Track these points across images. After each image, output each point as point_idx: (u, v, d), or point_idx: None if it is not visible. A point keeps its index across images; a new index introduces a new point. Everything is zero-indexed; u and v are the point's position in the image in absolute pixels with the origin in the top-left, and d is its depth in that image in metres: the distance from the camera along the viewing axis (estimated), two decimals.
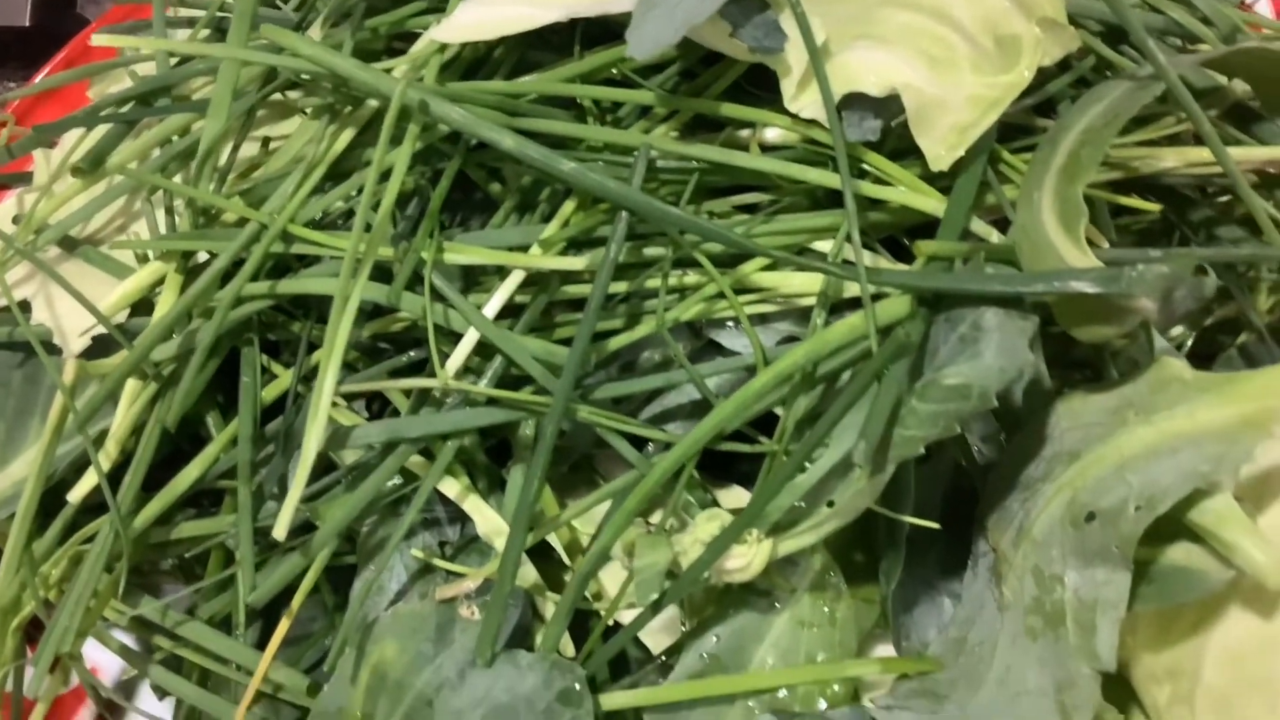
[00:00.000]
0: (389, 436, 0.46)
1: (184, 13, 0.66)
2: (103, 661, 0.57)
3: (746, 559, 0.44)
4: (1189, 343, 0.56)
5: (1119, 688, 0.49)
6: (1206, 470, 0.41)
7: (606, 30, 0.50)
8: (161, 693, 0.56)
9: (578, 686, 0.45)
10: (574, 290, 0.48)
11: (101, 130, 0.58)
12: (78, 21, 0.79)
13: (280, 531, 0.44)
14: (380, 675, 0.47)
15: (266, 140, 0.57)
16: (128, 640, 0.55)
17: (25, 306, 0.58)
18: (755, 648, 0.48)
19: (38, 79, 0.69)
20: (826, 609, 0.49)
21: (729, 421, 0.44)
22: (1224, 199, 0.53)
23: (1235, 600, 0.45)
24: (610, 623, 0.47)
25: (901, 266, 0.46)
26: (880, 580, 0.48)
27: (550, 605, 0.48)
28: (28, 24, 0.82)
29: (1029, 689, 0.43)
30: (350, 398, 0.52)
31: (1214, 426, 0.41)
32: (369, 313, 0.50)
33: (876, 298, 0.43)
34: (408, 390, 0.49)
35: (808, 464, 0.45)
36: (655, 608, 0.45)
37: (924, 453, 0.50)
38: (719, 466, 0.50)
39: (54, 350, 0.56)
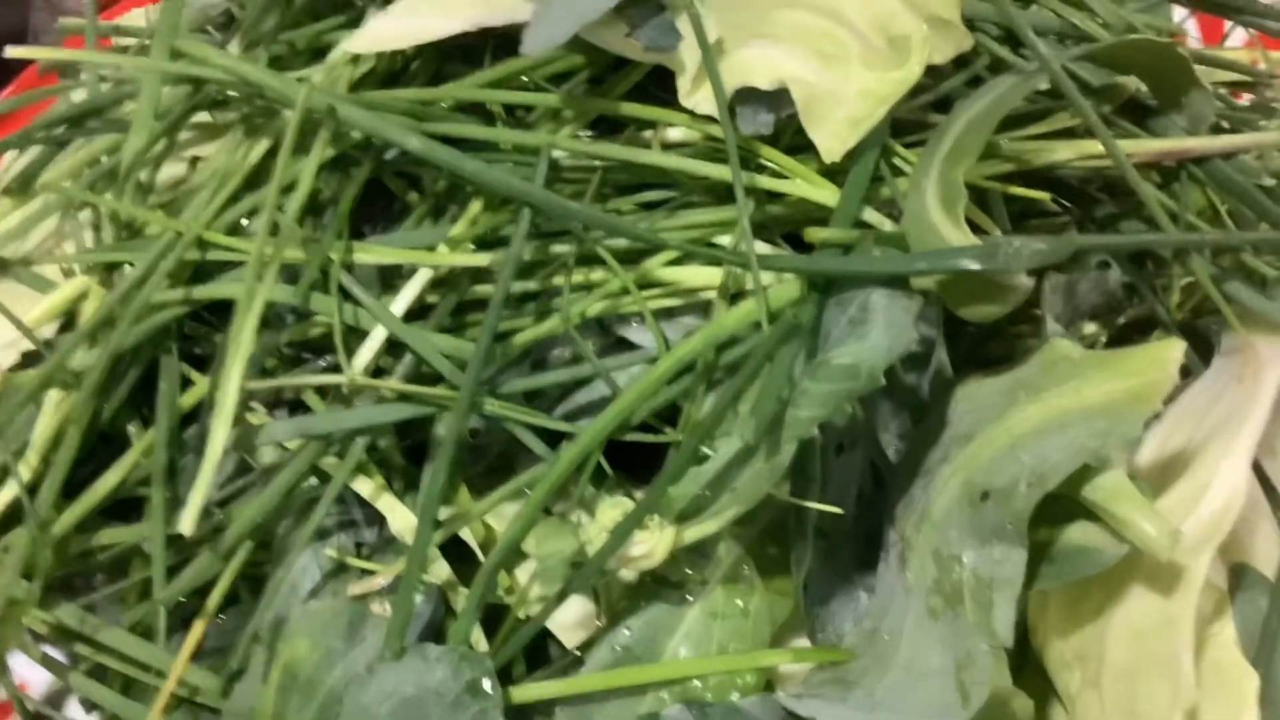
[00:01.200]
0: (297, 433, 0.47)
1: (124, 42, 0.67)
2: (31, 677, 0.57)
3: (649, 546, 0.45)
4: (1103, 340, 0.56)
5: (1037, 679, 0.50)
6: (1095, 445, 0.41)
7: (518, 42, 0.51)
8: (89, 704, 0.56)
9: (485, 679, 0.45)
10: (484, 290, 0.48)
11: (34, 152, 0.59)
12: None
13: (186, 528, 0.44)
14: (291, 673, 0.46)
15: (195, 160, 0.58)
16: (56, 653, 0.55)
17: None
18: (667, 640, 0.48)
19: None
20: (739, 601, 0.49)
21: (632, 410, 0.45)
22: (1131, 197, 0.54)
23: (1136, 580, 0.45)
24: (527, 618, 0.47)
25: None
26: (792, 571, 0.48)
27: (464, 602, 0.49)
28: None
29: (932, 670, 0.43)
30: (271, 406, 0.52)
31: (1101, 402, 0.42)
32: (286, 320, 0.51)
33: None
34: (322, 393, 0.49)
35: (711, 453, 0.46)
36: (561, 597, 0.45)
37: (837, 449, 0.51)
38: (640, 467, 0.50)
39: None
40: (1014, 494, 0.42)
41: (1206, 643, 0.47)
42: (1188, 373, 0.52)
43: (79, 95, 0.61)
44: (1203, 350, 0.54)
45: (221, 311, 0.53)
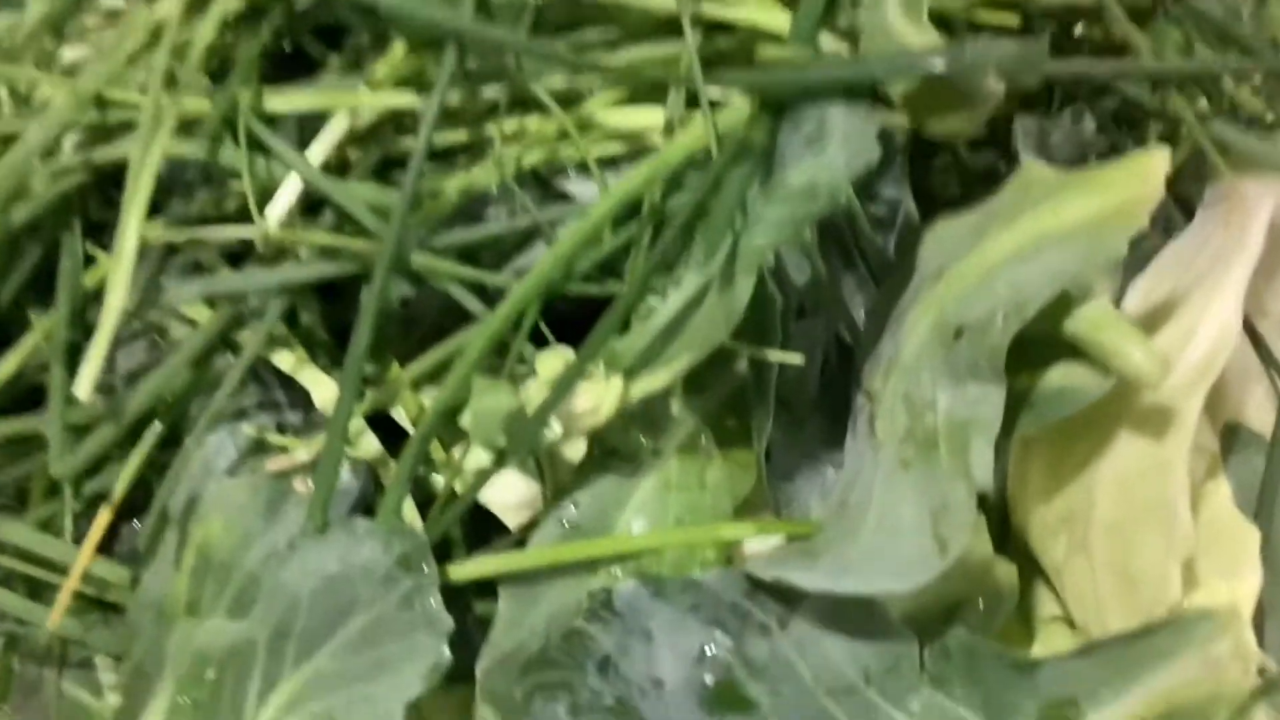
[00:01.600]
0: (205, 293, 0.43)
1: None
2: None
3: (595, 399, 0.41)
4: None
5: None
6: (1075, 269, 0.38)
7: None
8: None
9: (418, 553, 0.41)
10: (409, 145, 0.45)
11: None
12: None
13: (83, 391, 0.40)
14: (205, 556, 0.42)
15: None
16: None
17: None
18: (619, 514, 0.44)
19: None
20: (696, 473, 0.45)
21: (571, 256, 0.41)
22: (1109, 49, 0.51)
23: (1124, 426, 0.42)
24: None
25: None
26: (753, 440, 0.45)
27: None
28: None
29: (905, 525, 0.40)
30: None
31: (1080, 222, 0.38)
32: (196, 193, 0.47)
33: None
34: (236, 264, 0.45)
35: (659, 304, 0.42)
36: (500, 462, 0.42)
37: (798, 311, 0.48)
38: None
39: None
40: (990, 327, 0.38)
41: (1201, 501, 0.44)
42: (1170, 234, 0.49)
43: None
44: (1186, 215, 0.51)
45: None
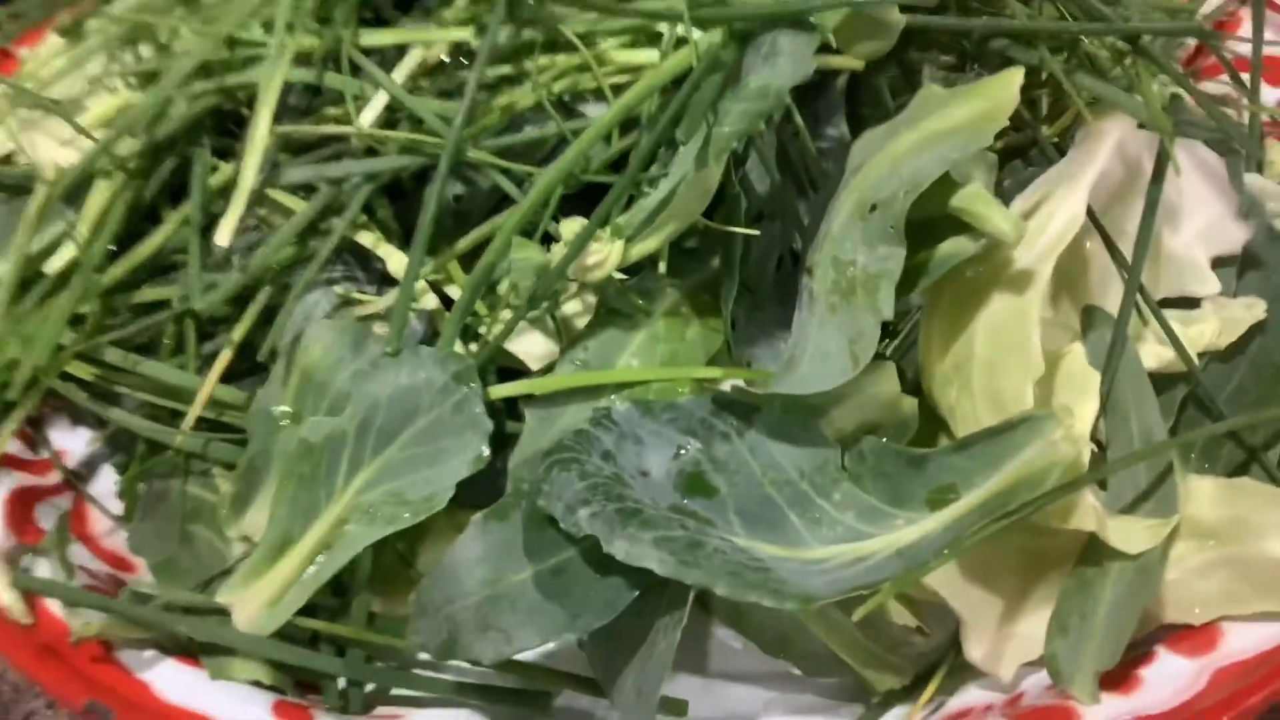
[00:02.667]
0: (313, 176, 0.56)
1: None
2: (69, 446, 0.65)
3: (603, 254, 0.54)
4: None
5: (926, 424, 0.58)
6: (956, 155, 0.51)
7: None
8: (122, 466, 0.64)
9: (467, 371, 0.54)
10: (465, 76, 0.58)
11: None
12: None
13: (223, 238, 0.53)
14: (307, 376, 0.55)
15: None
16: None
17: (6, 160, 0.68)
18: (619, 355, 0.57)
19: None
20: (678, 330, 0.58)
21: (589, 147, 0.54)
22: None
23: (996, 287, 0.55)
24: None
25: None
26: (721, 308, 0.58)
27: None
28: None
29: (831, 352, 0.52)
30: None
31: (960, 122, 0.52)
32: (300, 111, 0.60)
33: None
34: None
35: (650, 189, 0.55)
36: (532, 304, 0.55)
37: (758, 216, 0.61)
38: None
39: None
40: (894, 201, 0.51)
41: (1062, 359, 0.57)
42: None
43: None
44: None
45: (242, 125, 0.63)
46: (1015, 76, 0.51)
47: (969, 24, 0.59)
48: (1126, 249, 0.60)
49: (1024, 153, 0.67)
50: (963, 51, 0.65)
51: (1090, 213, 0.57)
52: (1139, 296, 0.59)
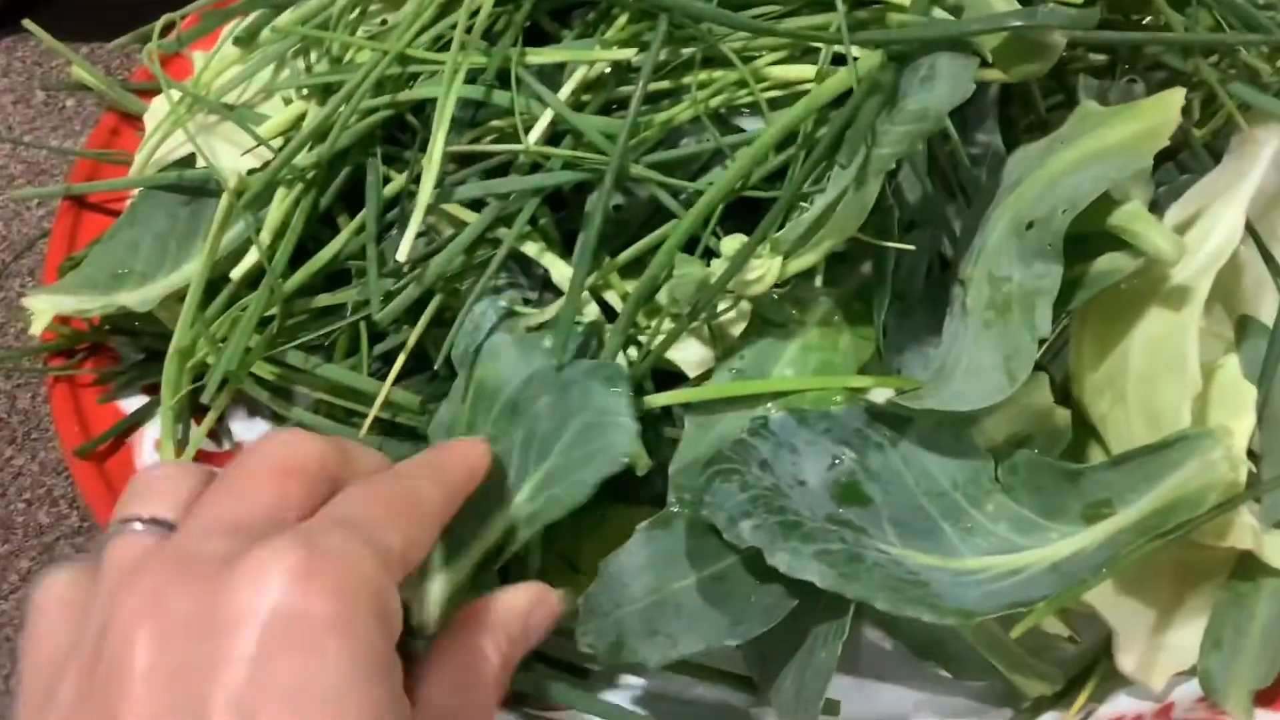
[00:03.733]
0: (483, 192, 0.58)
1: None
2: (249, 437, 0.69)
3: (762, 270, 0.55)
4: None
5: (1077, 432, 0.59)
6: (1115, 175, 0.51)
7: None
8: None
9: (617, 374, 0.55)
10: (627, 91, 0.59)
11: (255, 14, 0.71)
12: None
13: (403, 254, 0.56)
14: (481, 388, 0.57)
15: (383, 22, 0.70)
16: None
17: (191, 161, 0.71)
18: (774, 365, 0.58)
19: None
20: (831, 339, 0.59)
21: (749, 169, 0.55)
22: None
23: (1153, 301, 0.54)
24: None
25: None
26: (873, 317, 0.58)
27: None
28: None
29: (985, 367, 0.53)
30: None
31: (1119, 141, 0.52)
32: (465, 124, 0.62)
33: None
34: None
35: (806, 205, 0.56)
36: (693, 315, 0.56)
37: (910, 224, 0.61)
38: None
39: (213, 194, 0.68)
40: (1052, 219, 0.51)
41: (1216, 371, 0.57)
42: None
43: None
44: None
45: (410, 134, 0.65)
46: (1176, 97, 0.51)
47: (1127, 37, 0.58)
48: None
49: (1175, 154, 0.67)
50: (1114, 55, 0.64)
51: (1245, 221, 0.57)
52: None
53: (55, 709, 0.36)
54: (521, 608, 0.48)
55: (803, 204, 0.56)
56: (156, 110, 0.74)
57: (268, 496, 0.40)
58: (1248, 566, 0.53)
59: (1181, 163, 0.65)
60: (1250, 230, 0.57)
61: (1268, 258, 0.59)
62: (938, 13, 0.55)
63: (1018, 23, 0.49)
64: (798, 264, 0.55)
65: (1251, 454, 0.56)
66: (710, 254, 0.56)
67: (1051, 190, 0.52)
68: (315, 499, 0.41)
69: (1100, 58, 0.65)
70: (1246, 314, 0.59)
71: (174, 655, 0.34)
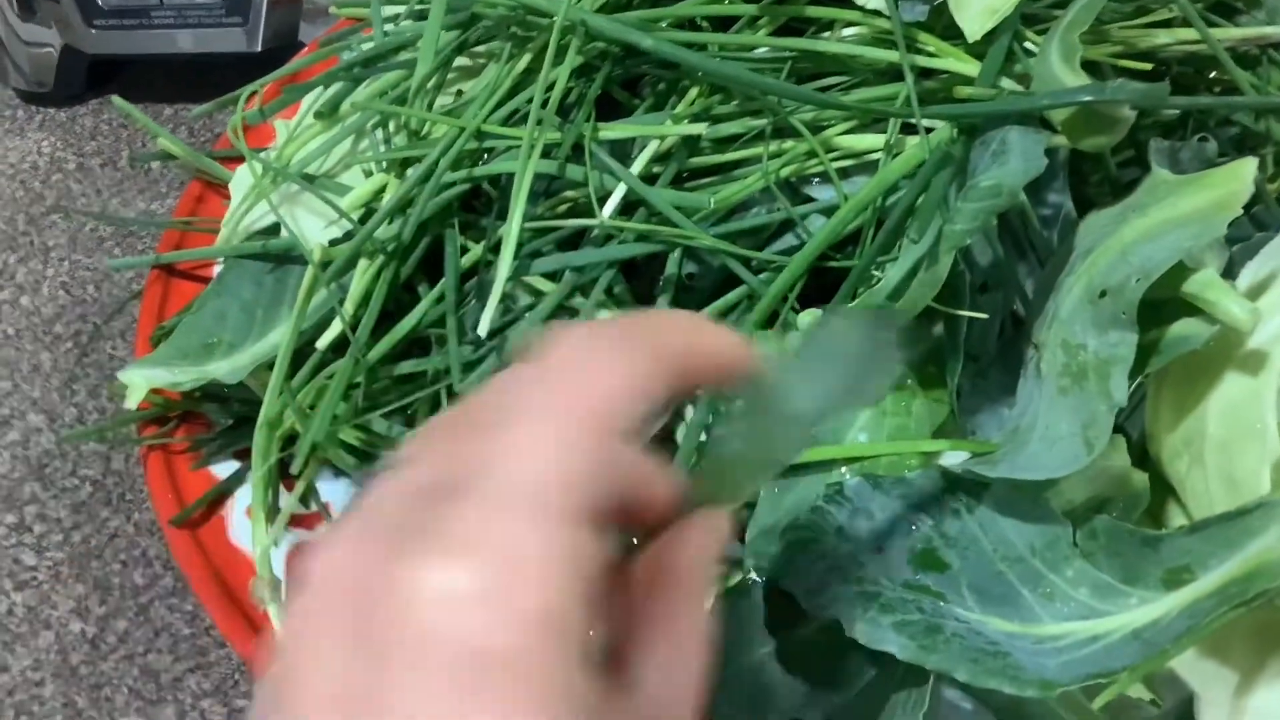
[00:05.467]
0: (560, 265, 0.59)
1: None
2: (334, 498, 0.70)
3: None
4: None
5: (1156, 487, 0.59)
6: (1189, 245, 0.51)
7: None
8: None
9: None
10: (697, 161, 0.60)
11: (335, 87, 0.73)
12: (300, 49, 0.95)
13: (484, 328, 0.57)
14: None
15: (459, 93, 0.71)
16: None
17: (275, 230, 0.73)
18: (848, 430, 0.58)
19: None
20: (905, 404, 0.59)
21: (828, 243, 0.56)
22: (1224, 88, 0.64)
23: (1230, 367, 0.54)
24: None
25: None
26: (947, 381, 0.59)
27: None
28: (258, 49, 0.99)
29: (1062, 435, 0.53)
30: None
31: (1192, 211, 0.51)
32: (540, 194, 0.63)
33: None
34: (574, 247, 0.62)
35: (881, 275, 0.57)
36: None
37: (982, 286, 0.61)
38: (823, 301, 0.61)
39: (297, 261, 0.70)
40: (1125, 288, 0.51)
41: None
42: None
43: (365, 46, 0.75)
44: None
45: (485, 203, 0.66)
46: (1249, 168, 0.51)
47: (1196, 102, 0.58)
48: None
49: (1249, 208, 0.66)
50: (1185, 112, 0.64)
51: None
52: None
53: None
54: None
55: (875, 272, 0.56)
56: (241, 179, 0.76)
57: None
58: None
59: (1257, 217, 0.65)
60: None
61: None
62: (1005, 82, 0.55)
63: (1088, 98, 0.49)
64: None
65: None
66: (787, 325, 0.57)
67: (1124, 259, 0.52)
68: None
69: (1172, 113, 0.65)
70: None
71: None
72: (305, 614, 0.30)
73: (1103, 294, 0.52)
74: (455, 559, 0.29)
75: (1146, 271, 0.51)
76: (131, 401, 0.64)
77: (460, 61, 0.72)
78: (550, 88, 0.60)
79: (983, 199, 0.51)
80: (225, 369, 0.66)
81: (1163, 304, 0.54)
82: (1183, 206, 0.52)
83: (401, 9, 0.76)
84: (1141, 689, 0.56)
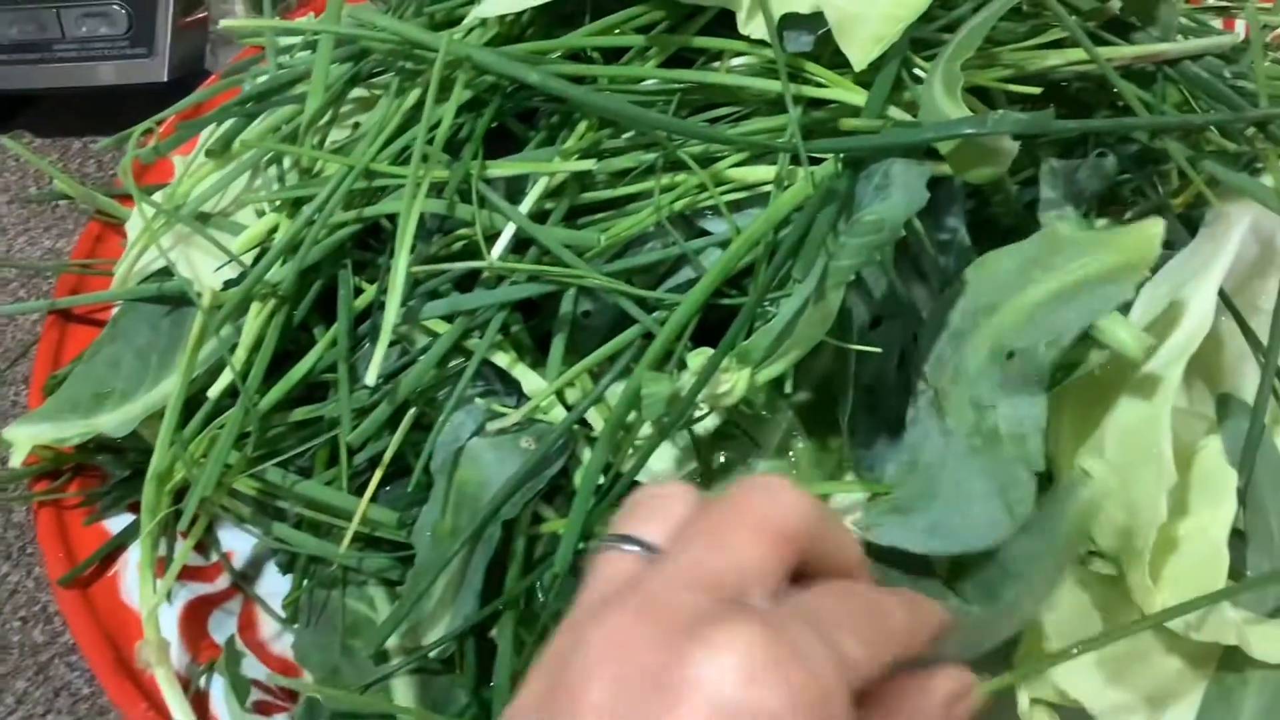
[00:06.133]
0: (451, 309, 0.58)
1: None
2: (236, 547, 0.68)
3: (732, 382, 0.54)
4: None
5: None
6: (1098, 308, 0.50)
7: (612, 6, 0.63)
8: (286, 566, 0.67)
9: None
10: (589, 196, 0.59)
11: (229, 123, 0.71)
12: (205, 78, 0.93)
13: (371, 378, 0.55)
14: (461, 493, 0.57)
15: (355, 125, 0.70)
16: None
17: (168, 272, 0.71)
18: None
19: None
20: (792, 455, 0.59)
21: (719, 281, 0.55)
22: (1123, 106, 0.63)
23: (1125, 391, 0.54)
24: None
25: None
26: (838, 415, 0.58)
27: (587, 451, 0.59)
28: (165, 79, 0.97)
29: (977, 494, 0.51)
30: None
31: (1100, 272, 0.50)
32: (432, 241, 0.62)
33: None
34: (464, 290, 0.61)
35: (774, 311, 0.56)
36: (662, 434, 0.55)
37: (875, 321, 0.60)
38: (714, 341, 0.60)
39: (193, 303, 0.68)
40: (1035, 353, 0.50)
41: (1196, 455, 0.56)
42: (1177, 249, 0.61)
43: (260, 79, 0.74)
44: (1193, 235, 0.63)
45: (381, 239, 0.65)
46: (1157, 229, 0.50)
47: (1089, 125, 0.58)
48: (1261, 326, 0.58)
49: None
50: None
51: (1222, 293, 0.56)
52: (1277, 380, 0.57)
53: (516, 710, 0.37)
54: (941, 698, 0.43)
55: (767, 308, 0.56)
56: (137, 220, 0.75)
57: (751, 556, 0.38)
58: (1234, 659, 0.52)
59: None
60: (1227, 303, 0.57)
61: (1246, 332, 0.58)
62: (894, 111, 0.54)
63: (970, 130, 0.48)
64: (765, 374, 0.55)
65: (1237, 533, 0.55)
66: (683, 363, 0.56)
67: (1032, 322, 0.51)
68: (793, 565, 0.40)
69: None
70: (1227, 393, 0.58)
71: (623, 704, 0.34)
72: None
73: (1010, 355, 0.52)
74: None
75: (1058, 335, 0.50)
76: (16, 459, 0.62)
77: (357, 92, 0.71)
78: (436, 125, 0.59)
79: (865, 234, 0.50)
80: (115, 421, 0.64)
81: None
82: (1092, 268, 0.51)
83: (297, 40, 0.75)
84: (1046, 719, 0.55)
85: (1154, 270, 0.58)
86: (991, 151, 0.50)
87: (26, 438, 0.62)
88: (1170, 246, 0.63)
